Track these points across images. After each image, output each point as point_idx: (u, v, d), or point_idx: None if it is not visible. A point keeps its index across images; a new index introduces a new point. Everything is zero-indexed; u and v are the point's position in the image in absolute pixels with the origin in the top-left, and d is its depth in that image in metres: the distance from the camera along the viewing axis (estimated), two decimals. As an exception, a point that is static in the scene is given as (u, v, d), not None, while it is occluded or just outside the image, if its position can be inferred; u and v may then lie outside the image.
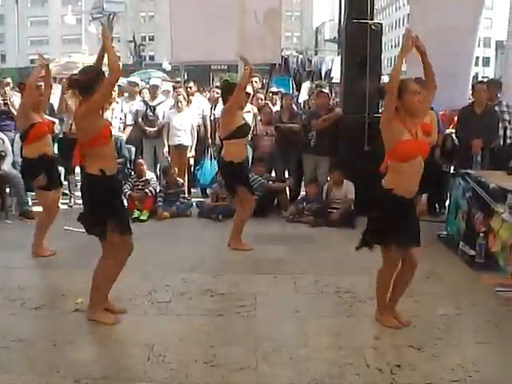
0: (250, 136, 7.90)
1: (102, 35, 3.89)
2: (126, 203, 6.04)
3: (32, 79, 5.22)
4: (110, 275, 3.83)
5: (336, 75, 10.93)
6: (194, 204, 7.48)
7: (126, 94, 9.30)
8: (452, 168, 7.29)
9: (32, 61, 52.22)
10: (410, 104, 3.50)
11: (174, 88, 9.36)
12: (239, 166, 5.60)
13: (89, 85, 3.62)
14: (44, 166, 5.21)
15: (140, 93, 9.07)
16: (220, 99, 8.74)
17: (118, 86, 9.52)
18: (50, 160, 5.34)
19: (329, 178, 7.15)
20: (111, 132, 3.95)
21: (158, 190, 7.31)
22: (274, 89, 9.60)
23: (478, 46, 7.85)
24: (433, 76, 3.67)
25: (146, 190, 7.15)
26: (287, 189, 7.57)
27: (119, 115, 8.12)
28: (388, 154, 3.62)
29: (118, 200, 3.90)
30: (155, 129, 8.19)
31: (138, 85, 9.20)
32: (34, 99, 5.18)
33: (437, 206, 7.44)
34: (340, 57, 8.48)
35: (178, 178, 7.50)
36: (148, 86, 9.12)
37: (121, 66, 3.68)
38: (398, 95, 3.48)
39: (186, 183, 8.01)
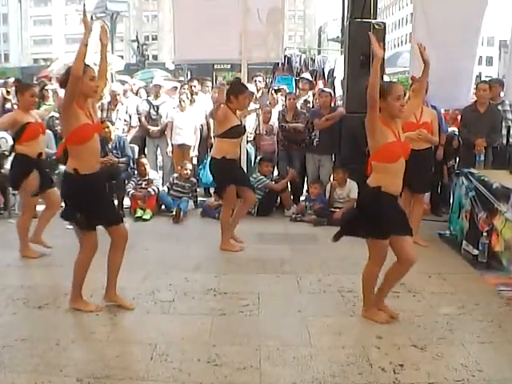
0: (252, 136, 7.93)
1: (83, 22, 3.84)
2: (115, 200, 6.01)
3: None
4: (82, 265, 3.97)
5: (339, 74, 10.91)
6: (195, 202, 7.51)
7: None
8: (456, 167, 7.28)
9: (35, 60, 52.38)
10: (392, 107, 3.59)
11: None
12: (229, 163, 5.49)
13: (65, 80, 3.71)
14: (36, 166, 5.18)
15: (137, 92, 9.10)
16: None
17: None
18: (41, 162, 5.35)
19: (332, 178, 7.14)
20: (95, 132, 3.85)
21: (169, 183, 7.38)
22: (276, 87, 9.57)
23: (482, 44, 7.82)
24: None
25: (149, 189, 7.15)
26: (289, 187, 7.54)
27: (123, 117, 8.13)
28: (373, 155, 3.67)
29: (90, 198, 3.81)
30: (158, 128, 8.20)
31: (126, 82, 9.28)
32: (26, 101, 5.15)
33: (439, 205, 7.42)
34: (343, 56, 8.46)
35: (186, 172, 7.50)
36: (144, 86, 9.23)
37: (80, 64, 3.62)
38: (383, 97, 3.54)
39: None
